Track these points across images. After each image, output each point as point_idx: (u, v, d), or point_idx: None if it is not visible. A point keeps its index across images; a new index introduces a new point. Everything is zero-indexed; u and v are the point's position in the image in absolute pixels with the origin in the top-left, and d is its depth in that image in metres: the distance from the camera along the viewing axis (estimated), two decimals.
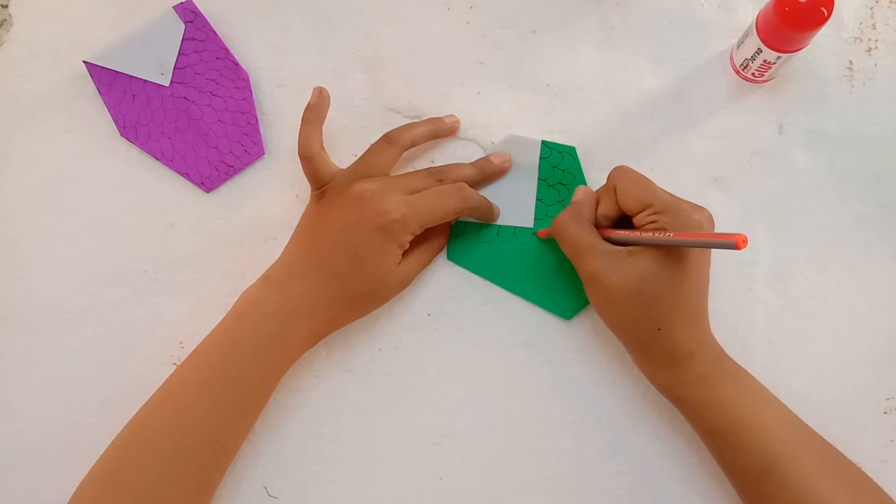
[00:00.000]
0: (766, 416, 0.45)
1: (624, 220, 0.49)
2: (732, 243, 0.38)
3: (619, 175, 0.48)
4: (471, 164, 0.53)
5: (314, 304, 0.49)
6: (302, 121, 0.51)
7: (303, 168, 0.51)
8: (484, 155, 0.54)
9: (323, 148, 0.51)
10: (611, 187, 0.48)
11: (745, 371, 0.47)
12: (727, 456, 0.46)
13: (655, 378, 0.48)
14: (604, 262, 0.46)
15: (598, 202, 0.49)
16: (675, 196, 0.46)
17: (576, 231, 0.47)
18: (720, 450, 0.47)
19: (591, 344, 0.53)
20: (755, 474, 0.45)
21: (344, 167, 0.52)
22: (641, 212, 0.46)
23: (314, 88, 0.51)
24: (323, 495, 0.52)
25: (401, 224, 0.48)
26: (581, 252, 0.47)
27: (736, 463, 0.46)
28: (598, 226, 0.49)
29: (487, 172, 0.53)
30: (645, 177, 0.47)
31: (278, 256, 0.51)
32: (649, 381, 0.48)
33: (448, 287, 0.54)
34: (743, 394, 0.46)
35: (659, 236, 0.44)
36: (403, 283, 0.52)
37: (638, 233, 0.46)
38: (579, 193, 0.51)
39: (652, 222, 0.45)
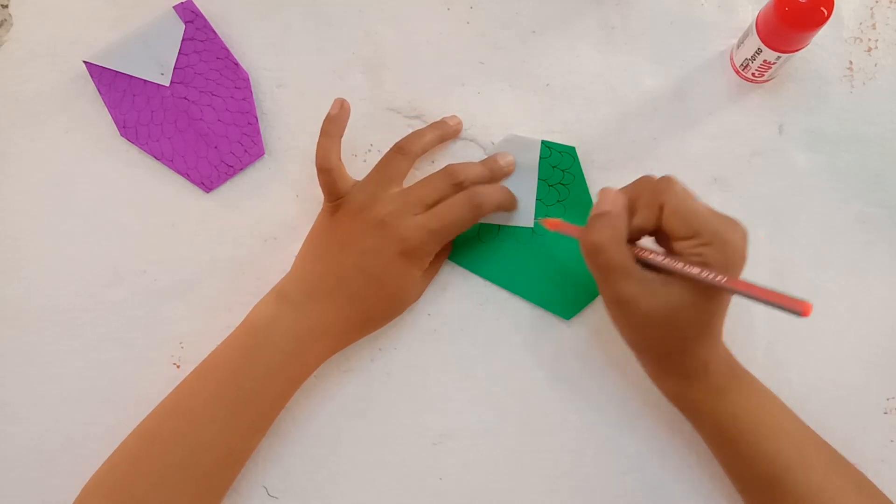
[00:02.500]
0: (775, 425, 0.45)
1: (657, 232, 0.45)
2: (799, 312, 0.33)
3: (669, 190, 0.43)
4: (481, 163, 0.53)
5: (332, 325, 0.49)
6: (321, 132, 0.50)
7: (319, 180, 0.50)
8: (484, 155, 0.54)
9: (341, 161, 0.51)
10: (656, 202, 0.43)
11: (753, 376, 0.47)
12: (737, 464, 0.46)
13: (666, 387, 0.47)
14: (635, 289, 0.42)
15: (632, 211, 0.44)
16: (721, 220, 0.42)
17: (613, 255, 0.43)
18: (730, 458, 0.47)
19: (591, 344, 0.53)
20: (765, 483, 0.45)
21: (345, 167, 0.52)
22: (688, 239, 0.42)
23: (335, 100, 0.51)
24: (323, 495, 0.52)
25: (421, 248, 0.49)
26: (612, 274, 0.43)
27: (745, 471, 0.46)
28: (630, 239, 0.44)
29: (496, 172, 0.53)
30: (693, 196, 0.43)
31: (290, 269, 0.51)
32: (658, 389, 0.48)
33: (448, 287, 0.54)
34: (753, 403, 0.46)
35: (711, 278, 0.40)
36: (417, 298, 0.52)
37: (683, 265, 0.41)
38: (609, 202, 0.44)
39: (698, 255, 0.42)
